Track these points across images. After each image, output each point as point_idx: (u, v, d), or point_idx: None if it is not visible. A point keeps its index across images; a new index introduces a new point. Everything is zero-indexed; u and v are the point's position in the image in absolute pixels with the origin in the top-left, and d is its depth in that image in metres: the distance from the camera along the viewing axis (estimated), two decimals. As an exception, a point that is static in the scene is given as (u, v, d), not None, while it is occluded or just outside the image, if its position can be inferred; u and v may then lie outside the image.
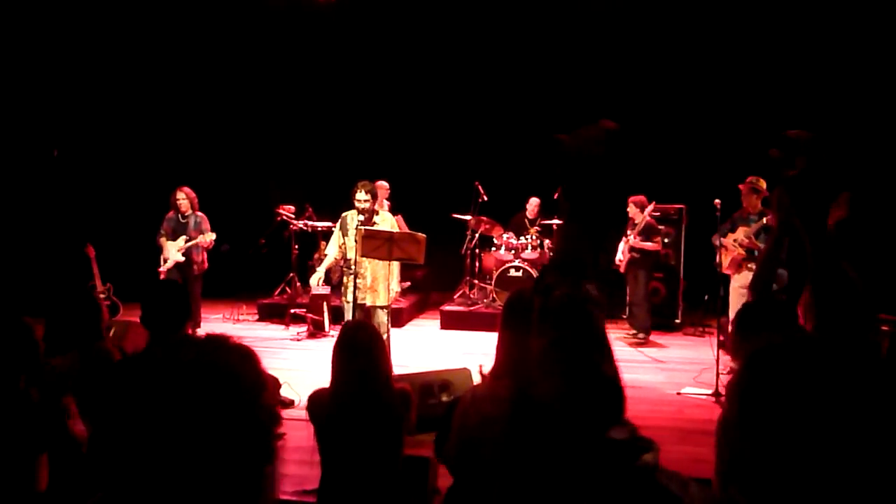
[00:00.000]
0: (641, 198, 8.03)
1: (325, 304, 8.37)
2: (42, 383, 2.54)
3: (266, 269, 9.93)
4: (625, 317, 9.35)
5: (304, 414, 3.03)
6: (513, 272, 8.70)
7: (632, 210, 8.04)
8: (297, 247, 9.26)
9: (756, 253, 6.51)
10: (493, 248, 9.22)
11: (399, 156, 10.24)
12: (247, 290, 9.91)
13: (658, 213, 8.39)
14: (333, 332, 7.61)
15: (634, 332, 8.24)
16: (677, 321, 8.84)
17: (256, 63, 10.66)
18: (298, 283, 9.37)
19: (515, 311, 2.19)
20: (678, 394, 6.05)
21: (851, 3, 8.48)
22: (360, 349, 2.87)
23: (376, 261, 5.98)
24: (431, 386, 5.22)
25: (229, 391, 1.11)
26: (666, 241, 8.59)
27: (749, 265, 6.62)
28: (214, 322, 8.93)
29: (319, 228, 9.09)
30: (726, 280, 6.78)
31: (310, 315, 8.38)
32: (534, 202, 9.33)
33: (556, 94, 10.11)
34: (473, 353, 7.41)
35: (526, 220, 9.34)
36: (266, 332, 8.59)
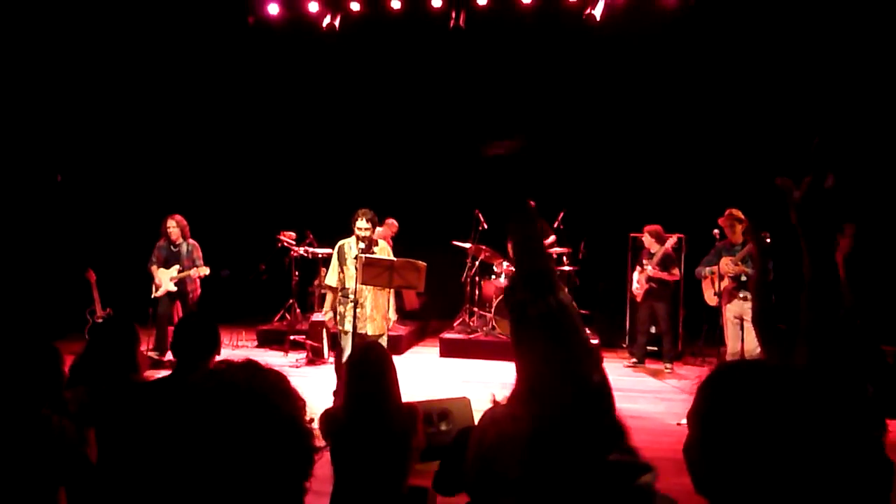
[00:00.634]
0: (657, 227, 8.07)
1: (324, 330, 8.36)
2: (64, 412, 2.48)
3: (266, 296, 9.92)
4: (624, 346, 9.35)
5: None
6: (512, 300, 8.69)
7: (647, 240, 8.07)
8: (297, 273, 9.27)
9: (745, 279, 6.56)
10: (493, 276, 9.22)
11: (400, 183, 10.31)
12: (246, 316, 9.90)
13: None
14: (332, 359, 7.58)
15: (635, 360, 8.28)
16: (677, 350, 8.83)
17: (259, 91, 10.78)
18: (298, 310, 9.36)
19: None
20: (678, 424, 6.01)
21: (846, 35, 8.59)
22: (371, 369, 3.02)
23: (376, 289, 5.98)
24: (430, 415, 5.17)
25: (270, 412, 1.15)
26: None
27: (740, 294, 6.64)
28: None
29: (320, 255, 9.11)
30: (719, 310, 6.82)
31: (309, 342, 8.36)
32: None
33: (557, 126, 10.21)
34: (473, 382, 7.39)
35: None
36: (265, 358, 8.55)
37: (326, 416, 3.11)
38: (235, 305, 9.98)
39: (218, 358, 3.19)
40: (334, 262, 6.17)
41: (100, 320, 8.42)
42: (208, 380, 1.19)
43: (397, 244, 9.56)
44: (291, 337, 8.74)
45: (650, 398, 6.97)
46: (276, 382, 1.21)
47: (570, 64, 9.91)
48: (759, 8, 8.85)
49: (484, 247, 9.21)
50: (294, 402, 1.20)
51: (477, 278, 9.47)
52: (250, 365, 1.23)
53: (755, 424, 1.07)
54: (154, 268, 7.91)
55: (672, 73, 9.49)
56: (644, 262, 8.13)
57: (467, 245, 9.16)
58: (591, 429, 1.32)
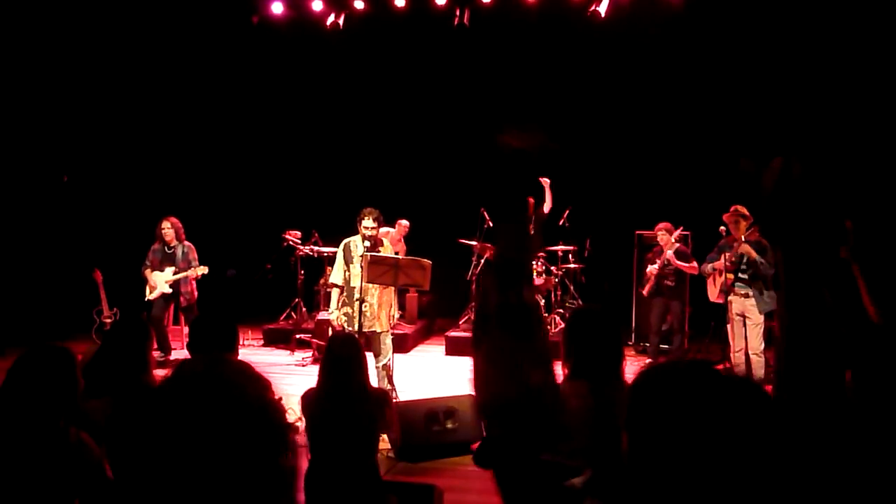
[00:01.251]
0: (668, 225, 8.00)
1: (329, 329, 8.36)
2: (82, 422, 2.45)
3: (272, 295, 9.95)
4: (630, 343, 9.33)
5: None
6: (518, 298, 8.68)
7: (663, 237, 7.94)
8: (302, 272, 9.29)
9: (742, 275, 6.54)
10: (499, 274, 9.21)
11: (405, 181, 10.31)
12: (252, 315, 9.93)
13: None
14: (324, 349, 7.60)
15: (650, 361, 8.21)
16: (685, 349, 8.80)
17: (263, 90, 10.79)
18: (304, 309, 9.38)
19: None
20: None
21: (856, 30, 8.55)
22: (342, 359, 3.40)
23: (382, 287, 5.99)
24: (436, 413, 5.19)
25: (236, 391, 1.20)
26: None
27: (741, 291, 6.60)
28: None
29: (325, 254, 9.12)
30: (726, 307, 6.80)
31: (315, 340, 8.38)
32: (529, 203, 9.31)
33: (563, 123, 10.19)
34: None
35: None
36: (271, 357, 8.59)
37: (305, 396, 3.49)
38: (241, 305, 10.00)
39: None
40: (339, 260, 6.19)
41: (107, 320, 8.46)
42: (172, 376, 1.25)
43: (405, 243, 9.59)
44: (297, 336, 8.75)
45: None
46: (240, 367, 1.27)
47: (574, 61, 9.89)
48: (766, 4, 8.82)
49: (490, 245, 9.21)
50: (259, 383, 1.25)
51: (483, 276, 9.47)
52: (213, 356, 1.30)
53: (671, 428, 1.07)
54: (148, 271, 7.90)
55: (677, 69, 9.46)
56: (657, 262, 8.05)
57: (473, 243, 9.16)
58: (528, 425, 1.34)
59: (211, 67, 10.47)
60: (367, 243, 5.94)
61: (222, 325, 3.20)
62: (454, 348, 8.91)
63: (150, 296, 7.89)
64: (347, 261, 6.11)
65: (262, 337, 9.44)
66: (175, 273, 7.79)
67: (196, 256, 7.96)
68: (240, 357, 2.78)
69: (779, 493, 1.04)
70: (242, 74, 10.62)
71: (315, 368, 8.01)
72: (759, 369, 6.42)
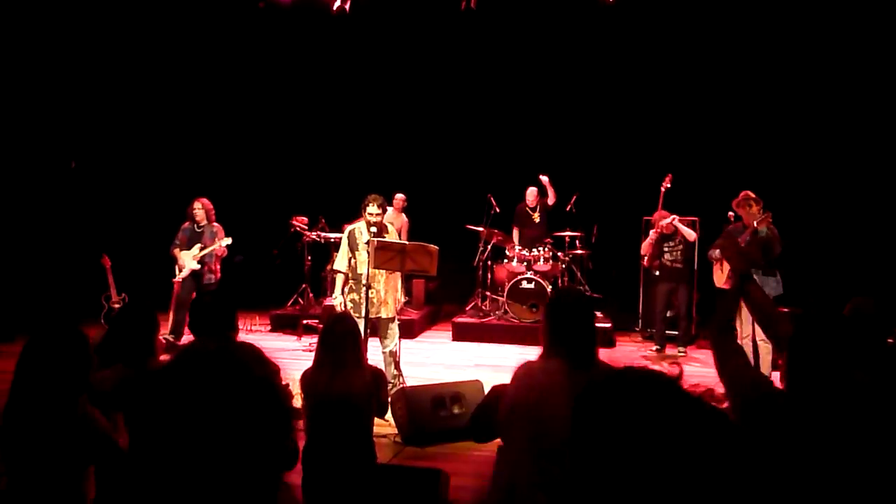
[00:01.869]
0: (666, 214, 8.00)
1: (336, 315, 8.39)
2: (93, 395, 2.51)
3: (279, 280, 9.97)
4: (637, 329, 9.32)
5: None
6: (525, 284, 8.68)
7: (665, 223, 7.99)
8: (309, 258, 9.30)
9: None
10: (506, 260, 9.21)
11: (412, 167, 10.29)
12: (259, 300, 9.96)
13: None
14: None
15: (657, 348, 8.20)
16: (692, 334, 8.79)
17: (270, 75, 10.76)
18: (311, 295, 9.40)
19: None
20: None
21: (864, 20, 8.45)
22: (337, 338, 3.47)
23: (388, 273, 5.98)
24: (443, 398, 5.21)
25: (246, 372, 1.21)
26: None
27: None
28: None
29: (332, 239, 9.12)
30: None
31: (321, 326, 8.39)
32: (532, 191, 9.31)
33: (568, 109, 10.14)
34: (485, 366, 7.40)
35: (528, 210, 9.35)
36: (278, 342, 8.62)
37: (304, 376, 3.55)
38: (249, 290, 10.03)
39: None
40: (344, 246, 6.17)
41: (115, 306, 8.50)
42: (182, 355, 1.26)
43: (410, 228, 9.58)
44: (304, 321, 8.78)
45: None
46: (251, 349, 1.28)
47: (583, 45, 9.82)
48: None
49: (496, 231, 9.20)
50: (268, 366, 1.27)
51: (489, 262, 9.46)
52: (224, 338, 1.31)
53: (613, 447, 1.03)
54: (177, 250, 7.95)
55: (687, 54, 9.38)
56: (668, 244, 8.03)
57: (480, 229, 9.15)
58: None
59: (217, 53, 10.45)
60: (373, 229, 5.92)
61: (220, 306, 3.21)
62: (461, 334, 8.92)
63: (179, 275, 7.91)
64: (353, 247, 6.10)
65: (269, 322, 9.47)
66: (202, 249, 7.83)
67: (224, 236, 7.98)
68: (254, 344, 2.82)
69: None
70: (249, 60, 10.59)
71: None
72: (766, 355, 6.40)
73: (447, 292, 10.44)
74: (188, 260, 7.85)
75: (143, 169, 10.51)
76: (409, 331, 8.63)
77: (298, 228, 9.10)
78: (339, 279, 6.24)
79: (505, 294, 8.89)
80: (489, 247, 9.26)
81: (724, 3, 8.97)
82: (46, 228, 9.39)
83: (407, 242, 5.86)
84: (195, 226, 7.94)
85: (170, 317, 7.98)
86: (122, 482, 2.44)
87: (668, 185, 8.06)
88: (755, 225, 6.30)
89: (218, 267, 8.04)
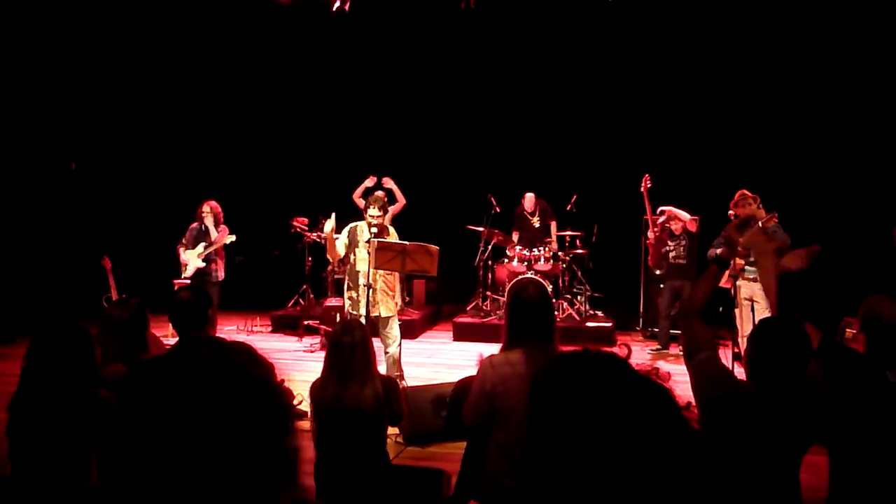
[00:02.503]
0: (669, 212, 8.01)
1: (338, 315, 8.39)
2: (99, 384, 2.63)
3: (280, 281, 9.97)
4: (638, 328, 9.32)
5: (307, 425, 3.31)
6: (526, 284, 8.68)
7: (674, 224, 8.00)
8: (310, 259, 9.31)
9: (752, 259, 6.48)
10: (506, 260, 9.21)
11: (413, 167, 10.27)
12: (261, 301, 9.96)
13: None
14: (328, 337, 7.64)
15: (659, 347, 8.20)
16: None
17: (271, 76, 10.77)
18: (312, 295, 9.41)
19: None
20: (692, 405, 5.99)
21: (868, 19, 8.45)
22: (346, 348, 3.28)
23: (386, 272, 6.00)
24: (444, 398, 5.21)
25: (237, 371, 1.21)
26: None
27: (749, 275, 6.56)
28: (229, 333, 8.98)
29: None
30: (734, 292, 6.75)
31: (323, 326, 8.41)
32: (529, 196, 9.33)
33: (568, 108, 10.14)
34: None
35: (526, 214, 9.35)
36: (280, 343, 8.63)
37: (313, 387, 3.39)
38: (250, 291, 10.03)
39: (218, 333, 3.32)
40: (344, 238, 6.13)
41: (116, 306, 8.51)
42: (182, 349, 1.27)
43: (410, 229, 9.57)
44: (305, 322, 8.79)
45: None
46: (242, 348, 1.27)
47: (582, 44, 9.82)
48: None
49: (497, 231, 9.20)
50: (261, 365, 1.26)
51: (490, 262, 9.47)
52: (216, 338, 1.33)
53: (569, 425, 1.07)
54: (181, 248, 8.02)
55: (686, 53, 9.37)
56: (670, 244, 8.03)
57: (480, 229, 9.15)
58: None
59: (218, 54, 10.46)
60: (374, 230, 5.93)
61: (192, 301, 3.24)
62: (462, 334, 8.93)
63: (184, 274, 7.99)
64: (353, 243, 6.10)
65: (270, 323, 9.48)
66: (206, 247, 7.90)
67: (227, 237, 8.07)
68: (248, 343, 2.83)
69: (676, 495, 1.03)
70: (249, 60, 10.59)
71: (323, 354, 8.06)
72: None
73: (448, 292, 10.45)
74: (193, 258, 7.92)
75: (144, 170, 10.52)
76: (410, 331, 8.64)
77: (299, 229, 9.10)
78: (339, 244, 6.08)
79: (505, 294, 8.89)
80: (490, 247, 9.27)
81: (723, 3, 8.96)
82: (47, 230, 9.39)
83: (407, 243, 5.86)
84: (202, 226, 8.02)
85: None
86: (121, 470, 2.49)
87: (649, 184, 8.06)
88: (761, 224, 6.29)
89: (222, 264, 8.10)
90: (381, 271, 5.95)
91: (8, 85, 8.89)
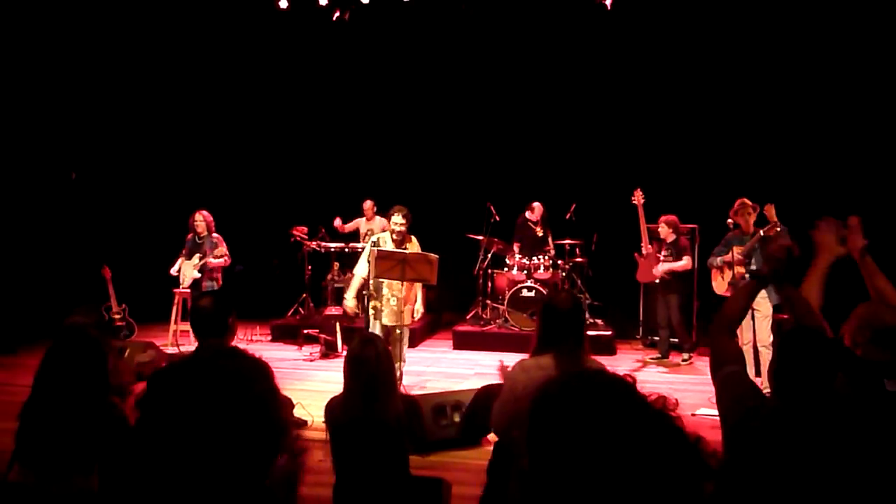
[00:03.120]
0: (673, 217, 7.98)
1: (337, 324, 8.39)
2: (110, 392, 2.63)
3: (279, 290, 9.97)
4: (637, 337, 9.31)
5: (317, 434, 3.16)
6: (525, 292, 8.69)
7: (663, 230, 7.96)
8: (310, 267, 9.32)
9: (754, 267, 6.48)
10: (506, 268, 9.22)
11: (412, 176, 10.31)
12: (260, 310, 9.96)
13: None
14: (346, 352, 7.64)
15: (659, 356, 8.20)
16: (693, 341, 8.78)
17: (270, 86, 10.80)
18: (311, 304, 9.41)
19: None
20: (693, 415, 6.00)
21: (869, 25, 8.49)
22: (366, 365, 3.08)
23: (409, 283, 6.08)
24: (444, 406, 5.20)
25: (240, 388, 1.21)
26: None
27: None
28: (228, 343, 8.95)
29: (332, 249, 9.15)
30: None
31: (322, 335, 8.41)
32: (537, 206, 9.27)
33: (567, 117, 10.17)
34: (486, 374, 7.39)
35: (529, 223, 9.32)
36: (279, 352, 8.61)
37: (328, 406, 3.22)
38: (249, 300, 10.03)
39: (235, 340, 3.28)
40: (366, 254, 6.19)
41: (116, 316, 8.53)
42: (193, 357, 1.29)
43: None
44: (305, 331, 8.78)
45: (663, 389, 6.93)
46: (253, 364, 1.28)
47: (582, 54, 9.86)
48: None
49: (496, 239, 9.21)
50: (267, 382, 1.27)
51: (490, 270, 9.47)
52: (229, 350, 1.32)
53: (568, 447, 1.04)
54: (181, 260, 8.11)
55: (683, 63, 9.41)
56: (663, 253, 8.03)
57: (480, 237, 9.16)
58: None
59: (216, 63, 10.49)
60: (395, 237, 6.05)
61: (213, 308, 3.21)
62: (462, 342, 8.92)
63: (183, 285, 8.05)
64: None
65: (270, 332, 9.47)
66: (201, 259, 7.96)
67: (224, 247, 8.07)
68: (261, 359, 2.88)
69: None
70: (248, 69, 10.63)
71: (322, 363, 8.07)
72: (768, 362, 6.37)
73: (447, 301, 10.44)
74: (188, 269, 7.93)
75: (144, 180, 10.53)
76: (410, 339, 8.58)
77: (298, 238, 9.11)
78: (356, 281, 6.25)
79: (505, 302, 8.89)
80: (489, 255, 9.28)
81: (721, 11, 9.00)
82: (47, 240, 9.40)
83: (408, 252, 5.88)
84: (196, 237, 8.04)
85: (169, 328, 8.00)
86: (122, 478, 2.49)
87: (643, 199, 8.10)
88: (762, 233, 6.30)
89: (219, 275, 8.10)
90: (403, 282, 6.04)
91: (8, 95, 8.91)
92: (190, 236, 8.10)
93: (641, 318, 9.32)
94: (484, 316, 9.37)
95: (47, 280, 9.15)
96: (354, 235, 9.61)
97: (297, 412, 5.43)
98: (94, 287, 8.66)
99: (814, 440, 2.01)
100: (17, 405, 2.55)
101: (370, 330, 6.08)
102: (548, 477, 1.04)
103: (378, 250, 5.80)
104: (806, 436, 2.02)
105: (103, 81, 9.93)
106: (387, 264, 5.71)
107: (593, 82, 9.95)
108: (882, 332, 2.61)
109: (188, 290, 8.31)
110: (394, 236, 6.05)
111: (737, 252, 6.65)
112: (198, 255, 7.97)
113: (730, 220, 6.84)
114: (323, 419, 3.31)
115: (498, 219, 9.24)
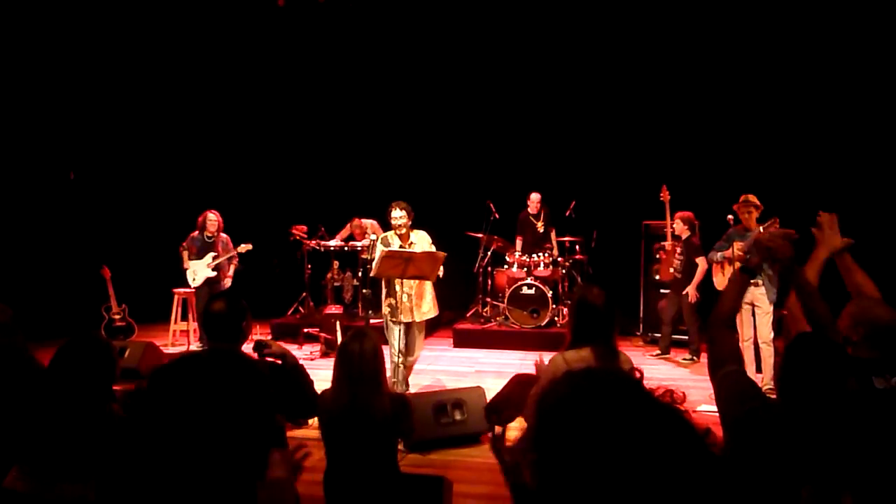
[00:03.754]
0: (689, 214, 7.95)
1: (337, 323, 8.39)
2: (113, 400, 2.61)
3: (279, 289, 9.97)
4: (638, 333, 9.31)
5: (317, 434, 3.20)
6: (525, 290, 8.67)
7: (678, 226, 7.93)
8: (310, 266, 9.31)
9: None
10: (506, 266, 9.21)
11: (412, 174, 10.30)
12: (260, 309, 9.95)
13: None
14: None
15: (659, 352, 8.19)
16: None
17: (270, 85, 10.79)
18: (311, 303, 9.40)
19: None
20: (693, 411, 5.98)
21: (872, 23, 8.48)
22: (354, 358, 3.18)
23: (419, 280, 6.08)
24: (445, 405, 5.20)
25: (234, 396, 1.22)
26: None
27: (750, 280, 6.52)
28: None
29: (332, 248, 9.14)
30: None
31: (322, 334, 8.40)
32: (535, 197, 9.27)
33: (567, 114, 10.16)
34: (487, 372, 7.39)
35: (530, 217, 9.30)
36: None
37: (321, 396, 3.25)
38: (249, 299, 9.99)
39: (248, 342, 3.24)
40: (379, 248, 6.18)
41: (116, 317, 8.52)
42: (180, 361, 1.30)
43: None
44: (305, 330, 8.78)
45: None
46: (256, 371, 1.29)
47: (582, 50, 9.85)
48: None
49: (496, 237, 9.20)
50: (264, 391, 1.27)
51: (490, 268, 9.46)
52: (234, 356, 1.33)
53: (576, 445, 1.03)
54: (185, 253, 8.14)
55: (685, 58, 9.40)
56: (678, 250, 7.99)
57: (480, 235, 9.15)
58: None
59: (216, 63, 10.48)
60: (398, 232, 6.04)
61: (226, 315, 3.10)
62: (462, 340, 8.91)
63: (193, 284, 8.13)
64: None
65: (270, 331, 9.47)
66: (215, 258, 8.08)
67: (232, 247, 8.29)
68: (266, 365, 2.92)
69: None
70: (248, 69, 10.62)
71: (323, 362, 8.06)
72: (768, 358, 6.37)
73: (447, 299, 10.41)
74: (201, 268, 8.01)
75: (143, 179, 10.51)
76: (410, 338, 8.61)
77: (298, 237, 9.11)
78: (384, 285, 6.23)
79: (505, 300, 8.88)
80: (489, 253, 9.27)
81: (723, 8, 8.99)
82: (46, 240, 9.39)
83: (416, 252, 5.86)
84: (206, 236, 8.09)
85: (169, 328, 7.99)
86: (118, 484, 2.48)
87: (668, 196, 8.10)
88: (761, 230, 6.27)
89: (229, 274, 8.22)
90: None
91: (6, 95, 8.90)
92: (195, 234, 8.13)
93: (642, 315, 9.31)
94: (484, 314, 9.37)
95: (47, 280, 9.15)
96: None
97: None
98: (93, 287, 8.66)
99: (816, 440, 2.01)
100: (17, 405, 2.54)
101: (387, 331, 6.16)
102: (557, 474, 1.04)
103: (386, 250, 5.75)
104: (809, 436, 2.02)
105: (103, 81, 9.91)
106: (390, 262, 5.69)
107: (593, 80, 9.93)
108: (878, 331, 2.57)
109: (190, 290, 8.31)
110: (396, 231, 6.04)
111: (738, 247, 6.63)
112: (211, 255, 8.05)
113: (730, 216, 6.82)
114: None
115: (498, 217, 9.23)
